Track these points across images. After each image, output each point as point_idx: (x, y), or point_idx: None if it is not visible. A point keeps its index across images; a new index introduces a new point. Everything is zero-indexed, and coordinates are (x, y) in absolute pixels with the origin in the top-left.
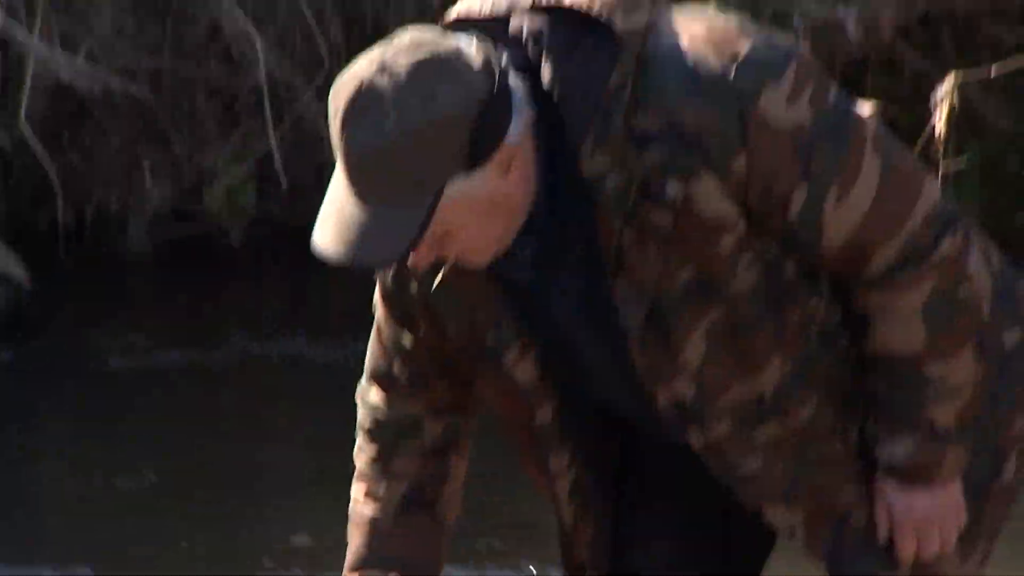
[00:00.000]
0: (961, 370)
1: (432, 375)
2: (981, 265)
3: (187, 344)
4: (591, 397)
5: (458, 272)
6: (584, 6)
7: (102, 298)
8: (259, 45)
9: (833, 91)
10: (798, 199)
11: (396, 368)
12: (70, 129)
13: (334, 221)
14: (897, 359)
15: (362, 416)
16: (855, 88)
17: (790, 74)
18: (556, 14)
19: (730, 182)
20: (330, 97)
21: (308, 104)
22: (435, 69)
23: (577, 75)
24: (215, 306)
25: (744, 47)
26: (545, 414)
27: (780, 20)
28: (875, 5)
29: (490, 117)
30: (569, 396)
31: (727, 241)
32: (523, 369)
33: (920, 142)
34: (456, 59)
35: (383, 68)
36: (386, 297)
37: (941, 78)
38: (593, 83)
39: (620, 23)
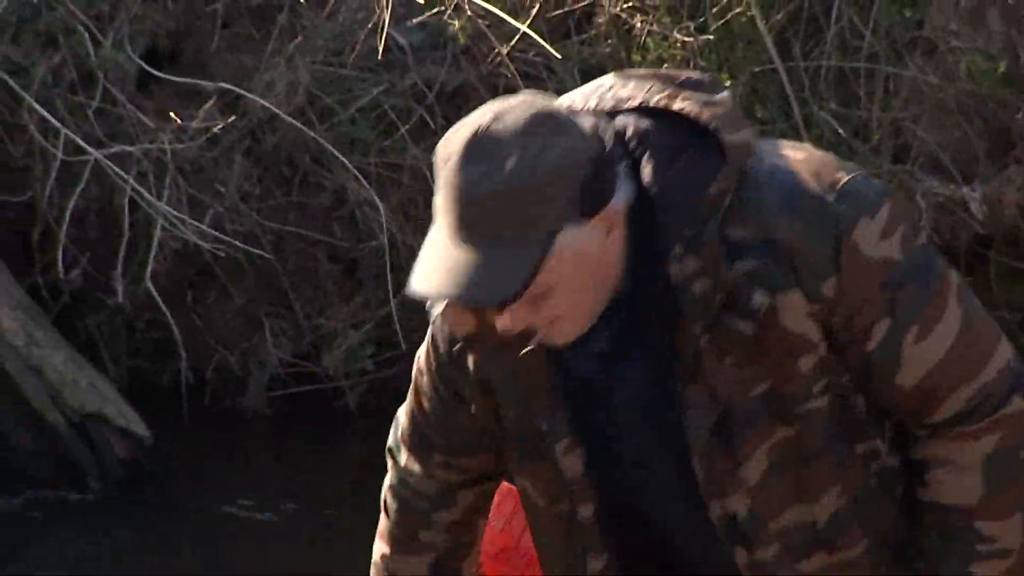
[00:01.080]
0: (1011, 534)
1: (480, 447)
2: None
3: (299, 500)
4: (634, 506)
5: (519, 356)
6: (693, 113)
7: (219, 453)
8: (382, 211)
9: (923, 236)
10: (879, 332)
11: (438, 437)
12: (193, 289)
13: (439, 267)
14: (950, 509)
15: (393, 477)
16: (979, 265)
17: (885, 211)
18: (664, 118)
19: (817, 304)
20: (439, 147)
21: None
22: (550, 122)
23: (679, 180)
24: (329, 465)
25: (843, 177)
26: (587, 510)
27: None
28: (998, 184)
29: (600, 174)
30: (610, 500)
31: (806, 361)
32: (571, 461)
33: None
34: (568, 118)
35: (498, 117)
36: (440, 372)
37: None
38: (693, 189)
39: (727, 135)
